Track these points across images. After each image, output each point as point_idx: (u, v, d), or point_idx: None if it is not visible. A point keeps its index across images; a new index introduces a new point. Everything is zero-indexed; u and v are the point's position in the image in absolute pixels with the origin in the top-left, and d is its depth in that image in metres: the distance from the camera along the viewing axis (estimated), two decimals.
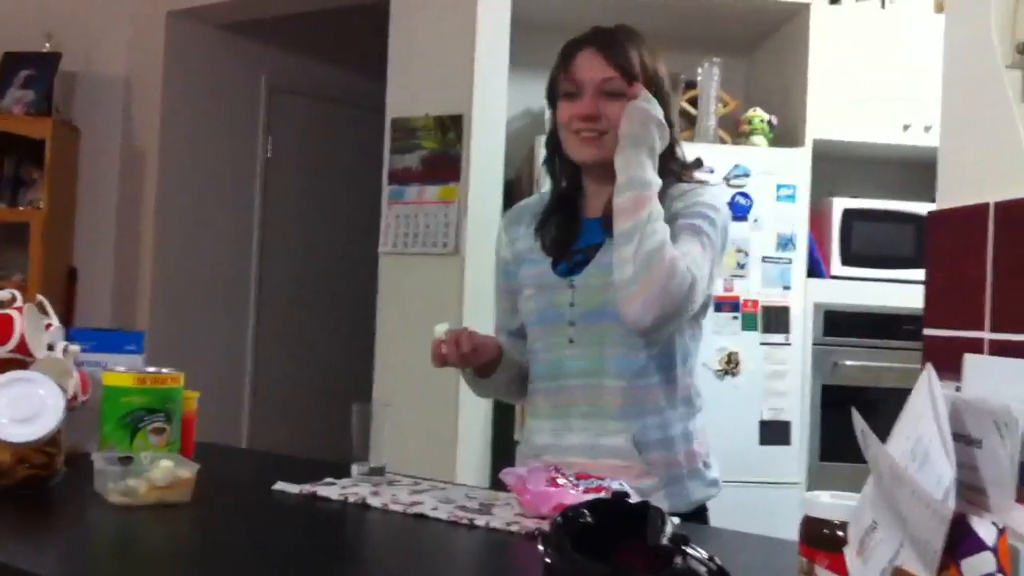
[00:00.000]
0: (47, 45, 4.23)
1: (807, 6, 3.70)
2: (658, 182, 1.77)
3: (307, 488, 1.67)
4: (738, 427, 3.48)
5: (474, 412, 3.49)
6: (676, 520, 1.45)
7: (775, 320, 3.55)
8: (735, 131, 3.75)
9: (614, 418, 1.80)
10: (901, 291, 3.54)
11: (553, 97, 1.91)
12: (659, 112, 1.80)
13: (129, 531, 1.44)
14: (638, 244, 1.71)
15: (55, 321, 1.90)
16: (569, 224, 1.92)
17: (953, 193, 1.39)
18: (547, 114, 2.02)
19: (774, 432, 3.54)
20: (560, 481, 1.53)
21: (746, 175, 3.56)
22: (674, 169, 1.88)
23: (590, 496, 1.42)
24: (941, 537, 0.71)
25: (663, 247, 1.71)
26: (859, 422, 0.81)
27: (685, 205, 1.82)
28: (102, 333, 2.09)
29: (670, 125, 1.84)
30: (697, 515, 1.84)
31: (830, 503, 0.98)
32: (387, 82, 3.80)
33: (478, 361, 1.86)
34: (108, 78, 4.41)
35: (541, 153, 2.17)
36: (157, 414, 1.73)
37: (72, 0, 4.38)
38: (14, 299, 1.83)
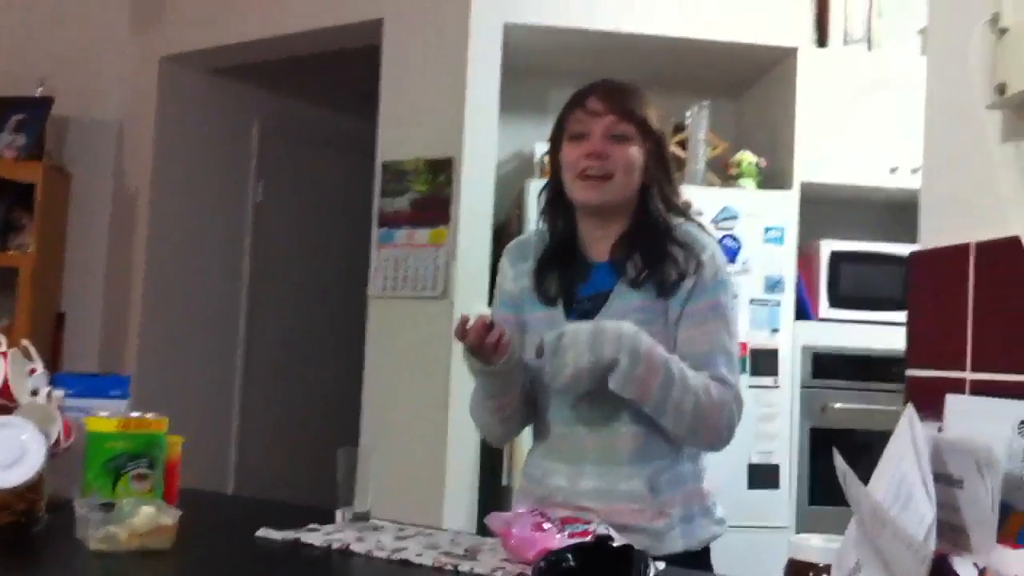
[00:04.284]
0: (40, 90, 4.24)
1: (795, 49, 3.72)
2: (630, 343, 1.75)
3: (290, 534, 1.65)
4: (727, 471, 3.44)
5: (462, 454, 3.47)
6: (661, 565, 1.44)
7: (764, 363, 3.54)
8: (724, 173, 3.77)
9: (627, 463, 1.81)
10: (889, 333, 3.51)
11: (557, 140, 1.91)
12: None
13: None
14: (676, 416, 1.77)
15: (39, 366, 1.89)
16: (574, 270, 1.92)
17: (935, 234, 1.39)
18: (546, 159, 2.02)
19: (763, 476, 3.51)
20: (545, 526, 1.52)
21: (734, 217, 3.57)
22: (677, 209, 1.93)
23: (574, 540, 1.41)
24: None
25: (699, 403, 1.76)
26: (840, 464, 0.81)
27: (702, 282, 1.86)
28: (87, 378, 2.08)
29: (668, 169, 1.91)
30: (705, 554, 1.84)
31: (814, 546, 0.97)
32: (378, 126, 3.81)
33: (490, 358, 1.80)
34: (101, 122, 4.42)
35: (531, 196, 2.16)
36: (140, 459, 1.71)
37: (66, 46, 4.39)
38: None
